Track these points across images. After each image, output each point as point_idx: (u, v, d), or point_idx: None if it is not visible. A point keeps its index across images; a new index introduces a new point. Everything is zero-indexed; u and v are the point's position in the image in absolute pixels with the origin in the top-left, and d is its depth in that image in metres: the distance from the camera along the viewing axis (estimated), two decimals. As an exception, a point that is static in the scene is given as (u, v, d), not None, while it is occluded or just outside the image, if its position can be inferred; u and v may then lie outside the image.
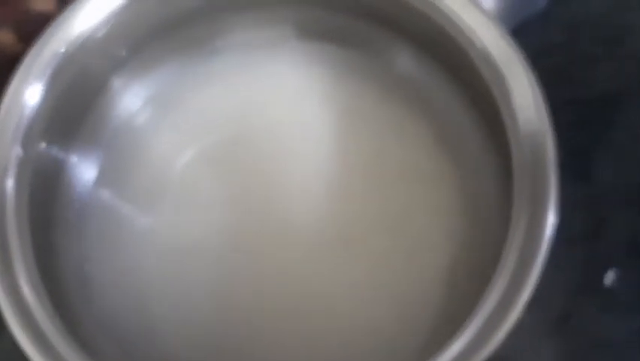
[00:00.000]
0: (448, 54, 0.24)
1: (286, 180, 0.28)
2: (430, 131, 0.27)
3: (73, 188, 0.26)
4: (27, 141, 0.22)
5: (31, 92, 0.23)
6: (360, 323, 0.25)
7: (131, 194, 0.27)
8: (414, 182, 0.27)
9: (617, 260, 0.31)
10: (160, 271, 0.26)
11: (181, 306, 0.26)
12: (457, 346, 0.20)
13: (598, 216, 0.32)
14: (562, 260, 0.31)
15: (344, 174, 0.27)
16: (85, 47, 0.24)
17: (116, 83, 0.27)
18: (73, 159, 0.26)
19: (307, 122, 0.28)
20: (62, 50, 0.24)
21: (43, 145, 0.23)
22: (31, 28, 0.25)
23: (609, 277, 0.31)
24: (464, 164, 0.27)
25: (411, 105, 0.28)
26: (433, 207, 0.26)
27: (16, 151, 0.22)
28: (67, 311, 0.23)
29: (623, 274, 0.31)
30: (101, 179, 0.27)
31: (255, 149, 0.28)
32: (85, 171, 0.27)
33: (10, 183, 0.22)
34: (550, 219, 0.21)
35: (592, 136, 0.33)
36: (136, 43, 0.27)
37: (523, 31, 0.35)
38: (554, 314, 0.30)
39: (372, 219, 0.27)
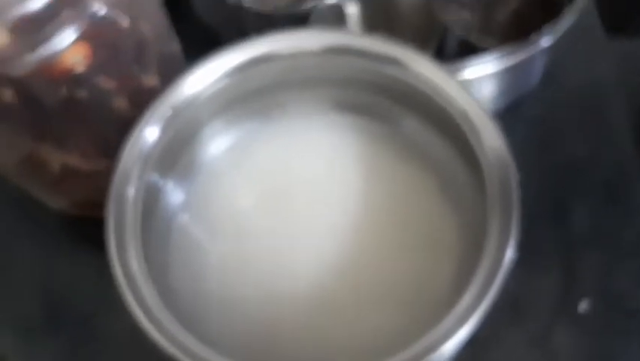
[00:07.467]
0: (441, 119, 0.32)
1: (321, 220, 0.34)
2: (433, 181, 0.34)
3: (165, 209, 0.33)
4: (143, 169, 0.30)
5: (146, 137, 0.31)
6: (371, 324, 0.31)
7: (204, 220, 0.34)
8: (421, 220, 0.33)
9: (589, 292, 0.37)
10: (219, 283, 0.33)
11: (232, 309, 0.32)
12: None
13: (572, 255, 0.38)
14: (542, 289, 0.37)
15: (366, 216, 0.34)
16: (184, 111, 0.32)
17: (205, 136, 0.35)
18: (169, 186, 0.33)
19: (339, 176, 0.35)
20: (170, 113, 0.32)
21: (152, 173, 0.31)
22: (141, 98, 0.32)
23: (583, 306, 0.36)
24: (460, 204, 0.33)
25: (418, 161, 0.34)
26: (436, 240, 0.33)
27: (135, 173, 0.30)
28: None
29: (594, 304, 0.36)
30: (185, 205, 0.34)
31: (299, 195, 0.35)
32: (175, 196, 0.34)
33: (131, 192, 0.29)
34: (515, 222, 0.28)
35: (569, 190, 0.40)
36: (217, 110, 0.34)
37: (518, 106, 0.42)
38: (533, 334, 0.36)
39: (389, 247, 0.33)
